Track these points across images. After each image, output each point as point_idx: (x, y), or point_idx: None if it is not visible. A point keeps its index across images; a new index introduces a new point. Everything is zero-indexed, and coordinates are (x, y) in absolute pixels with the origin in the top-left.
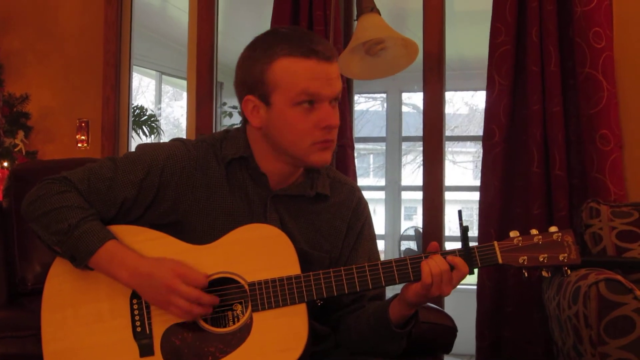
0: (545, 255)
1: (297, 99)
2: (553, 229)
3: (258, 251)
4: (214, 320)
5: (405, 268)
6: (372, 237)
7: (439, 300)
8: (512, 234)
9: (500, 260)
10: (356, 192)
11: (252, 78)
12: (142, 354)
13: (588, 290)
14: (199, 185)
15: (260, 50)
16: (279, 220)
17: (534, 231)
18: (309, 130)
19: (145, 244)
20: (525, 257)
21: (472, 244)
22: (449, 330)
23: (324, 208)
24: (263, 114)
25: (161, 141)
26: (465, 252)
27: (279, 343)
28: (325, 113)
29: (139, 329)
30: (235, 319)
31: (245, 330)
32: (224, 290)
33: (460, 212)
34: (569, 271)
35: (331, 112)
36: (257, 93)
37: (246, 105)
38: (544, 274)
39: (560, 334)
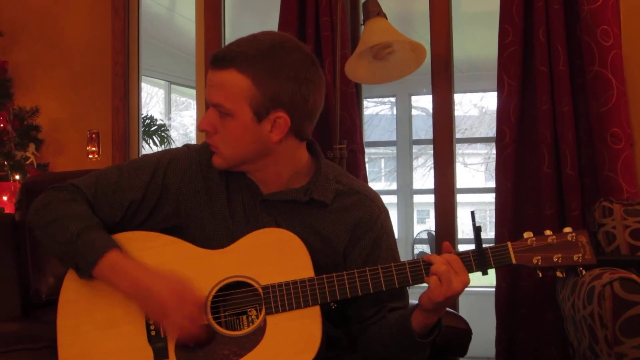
0: (560, 255)
1: None
2: (567, 229)
3: (271, 254)
4: (228, 323)
5: (418, 268)
6: (392, 247)
7: (454, 303)
8: (526, 234)
9: (514, 261)
10: (369, 201)
11: None
12: (156, 358)
13: (602, 290)
14: (200, 189)
15: None
16: (274, 223)
17: (547, 232)
18: None
19: (158, 250)
20: (540, 258)
21: (485, 245)
22: (464, 333)
23: (323, 215)
24: None
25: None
26: (479, 253)
27: (293, 345)
28: None
29: (153, 333)
30: (249, 322)
31: (259, 333)
32: (237, 294)
33: (473, 212)
34: (583, 271)
35: (204, 116)
36: None
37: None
38: (559, 274)
39: (575, 335)
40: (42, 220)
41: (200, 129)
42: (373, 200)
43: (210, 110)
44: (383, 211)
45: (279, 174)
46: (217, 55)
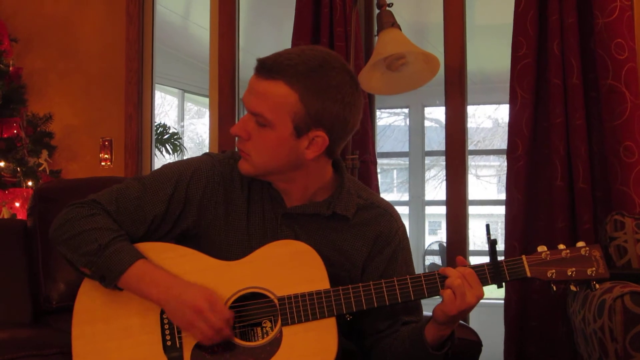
0: (574, 269)
1: None
2: (581, 244)
3: (287, 266)
4: (243, 335)
5: (434, 280)
6: (408, 262)
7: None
8: (540, 248)
9: (529, 274)
10: (388, 216)
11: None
12: None
13: (613, 304)
14: (220, 202)
15: None
16: (293, 237)
17: (561, 246)
18: None
19: (176, 261)
20: (554, 271)
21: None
22: (474, 345)
23: (345, 229)
24: None
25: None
26: (494, 266)
27: (309, 357)
28: None
29: (169, 343)
30: (265, 334)
31: (275, 344)
32: (254, 305)
33: (488, 226)
34: (597, 285)
35: (239, 121)
36: None
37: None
38: (572, 288)
39: (585, 348)
40: (65, 235)
41: (233, 133)
42: (392, 214)
43: (247, 116)
44: (401, 226)
45: (306, 187)
46: (266, 63)
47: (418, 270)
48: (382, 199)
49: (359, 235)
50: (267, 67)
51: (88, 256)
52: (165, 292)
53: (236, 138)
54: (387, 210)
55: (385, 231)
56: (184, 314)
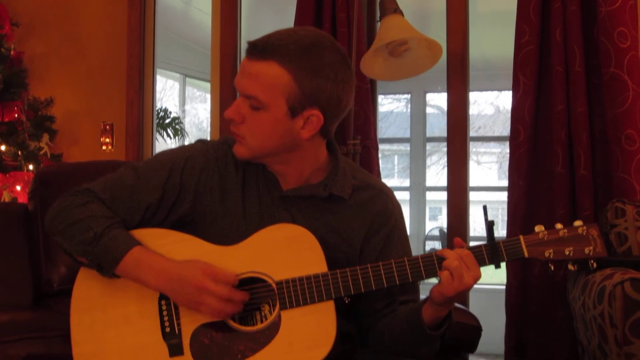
0: (571, 248)
1: None
2: (578, 222)
3: (284, 250)
4: (242, 320)
5: (431, 262)
6: (404, 242)
7: (464, 300)
8: (537, 228)
9: (526, 254)
10: (384, 196)
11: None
12: (171, 354)
13: (613, 290)
14: (215, 188)
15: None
16: (290, 220)
17: (558, 225)
18: None
19: (172, 247)
20: (551, 251)
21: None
22: (474, 330)
23: (341, 210)
24: None
25: (185, 144)
26: (492, 247)
27: (308, 340)
28: None
29: (167, 330)
30: (263, 318)
31: (274, 328)
32: (251, 290)
33: (485, 207)
34: (594, 264)
35: (232, 104)
36: None
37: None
38: (570, 267)
39: (585, 334)
40: (61, 225)
41: (227, 117)
42: (387, 195)
43: (241, 99)
44: (397, 206)
45: (301, 169)
46: (257, 45)
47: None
48: (377, 179)
49: (355, 216)
50: (259, 48)
51: (84, 245)
52: (164, 276)
53: (230, 122)
54: (383, 191)
55: (382, 211)
56: (187, 294)
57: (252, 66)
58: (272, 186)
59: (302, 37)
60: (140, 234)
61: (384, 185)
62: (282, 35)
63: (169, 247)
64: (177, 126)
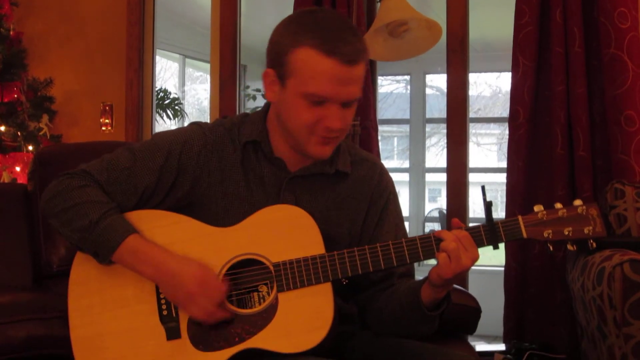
0: (570, 228)
1: (307, 94)
2: (577, 202)
3: (282, 232)
4: (240, 302)
5: (429, 243)
6: (398, 213)
7: (463, 281)
8: (536, 208)
9: (524, 235)
10: (378, 168)
11: (276, 54)
12: (169, 337)
13: (612, 271)
14: (214, 169)
15: (291, 30)
16: (294, 201)
17: (558, 205)
18: (311, 124)
19: (169, 228)
20: (550, 231)
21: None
22: (473, 311)
23: (345, 186)
24: (277, 90)
25: (185, 124)
26: (490, 227)
27: (305, 323)
28: (331, 114)
29: (165, 313)
30: (261, 300)
31: (271, 310)
32: (248, 272)
33: (483, 187)
34: (594, 244)
35: (337, 115)
36: (277, 70)
37: (266, 77)
38: (569, 247)
39: (584, 315)
40: (56, 208)
41: (337, 128)
42: (381, 166)
43: (340, 107)
44: (390, 177)
45: None
46: (352, 52)
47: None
48: (367, 152)
49: (358, 191)
50: (352, 55)
51: (80, 232)
52: (158, 270)
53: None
54: (376, 163)
55: (377, 183)
56: (177, 295)
57: (352, 71)
58: (278, 167)
59: (354, 27)
60: (137, 215)
61: (375, 157)
62: (354, 32)
63: (166, 228)
64: (176, 107)
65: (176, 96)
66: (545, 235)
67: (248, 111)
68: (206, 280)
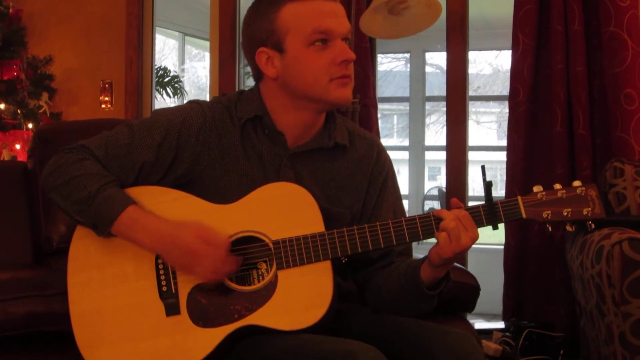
0: (569, 209)
1: (310, 38)
2: (577, 183)
3: (281, 209)
4: (240, 279)
5: (429, 222)
6: (396, 190)
7: (463, 259)
8: (536, 188)
9: (524, 215)
10: (376, 145)
11: (261, 30)
12: (168, 313)
13: (611, 250)
14: (214, 147)
15: (265, 3)
16: (293, 179)
17: (557, 186)
18: (326, 67)
19: (168, 205)
20: (549, 212)
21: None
22: (472, 289)
23: (344, 163)
24: (278, 63)
25: (184, 102)
26: (489, 207)
27: (304, 300)
28: (340, 48)
29: (164, 289)
30: (260, 277)
31: (271, 288)
32: (248, 249)
33: (483, 167)
34: (592, 225)
35: (345, 47)
36: (269, 43)
37: (260, 59)
38: (568, 228)
39: (583, 293)
40: (56, 181)
41: (352, 58)
42: (378, 144)
43: (344, 42)
44: (388, 156)
45: (315, 123)
46: None
47: (417, 214)
48: (364, 130)
49: (358, 169)
50: None
51: (79, 204)
52: (157, 237)
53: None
54: (373, 140)
55: (375, 160)
56: (180, 257)
57: (336, 5)
58: (278, 143)
59: None
60: (136, 191)
61: (371, 134)
62: None
63: (165, 205)
64: (176, 85)
65: (175, 74)
66: (545, 215)
67: (247, 89)
68: (208, 236)
